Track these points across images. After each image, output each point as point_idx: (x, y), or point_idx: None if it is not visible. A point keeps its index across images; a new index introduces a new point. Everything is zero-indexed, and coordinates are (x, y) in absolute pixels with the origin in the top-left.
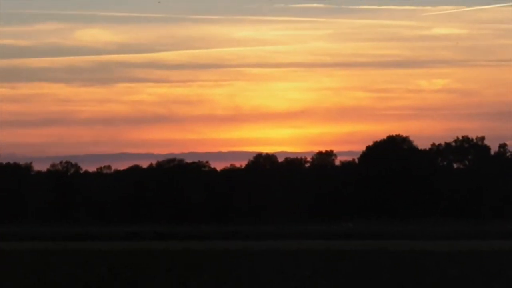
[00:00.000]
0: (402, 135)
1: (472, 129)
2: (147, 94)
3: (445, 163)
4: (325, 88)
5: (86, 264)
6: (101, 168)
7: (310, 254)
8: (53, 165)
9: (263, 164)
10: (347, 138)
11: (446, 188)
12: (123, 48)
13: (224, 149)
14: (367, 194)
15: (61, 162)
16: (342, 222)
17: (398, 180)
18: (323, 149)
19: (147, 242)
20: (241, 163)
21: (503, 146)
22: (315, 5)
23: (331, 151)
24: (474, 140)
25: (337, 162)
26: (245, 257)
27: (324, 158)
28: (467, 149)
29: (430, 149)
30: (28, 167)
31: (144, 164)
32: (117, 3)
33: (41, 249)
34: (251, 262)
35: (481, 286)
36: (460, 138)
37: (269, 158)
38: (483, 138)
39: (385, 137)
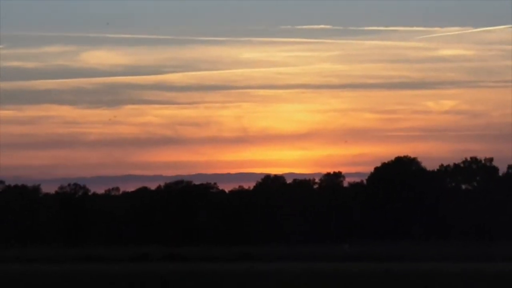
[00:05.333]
0: (410, 156)
1: (480, 150)
2: (154, 116)
3: (453, 184)
4: (333, 110)
5: (95, 286)
6: (109, 190)
7: (318, 276)
8: (61, 187)
9: (271, 186)
10: (355, 159)
11: (454, 209)
12: (129, 70)
13: (232, 171)
14: (375, 215)
15: (69, 184)
16: (340, 244)
17: (406, 201)
18: (331, 170)
19: (156, 264)
20: (249, 185)
21: (511, 167)
22: (322, 26)
23: (340, 173)
24: (483, 161)
25: (345, 184)
26: (254, 279)
27: (332, 180)
28: (476, 170)
29: (438, 170)
30: (36, 189)
31: (152, 186)
32: (123, 25)
33: (49, 272)
34: (259, 283)
35: None
36: (468, 159)
37: (278, 180)
38: (491, 159)
39: (393, 159)
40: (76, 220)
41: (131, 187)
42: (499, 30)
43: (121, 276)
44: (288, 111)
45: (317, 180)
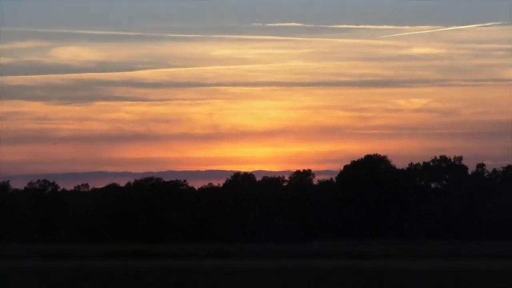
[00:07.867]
0: (379, 155)
1: (450, 149)
2: (125, 113)
3: (422, 182)
4: (304, 107)
5: (64, 282)
6: (78, 186)
7: (287, 272)
8: (30, 183)
9: (240, 183)
10: (325, 157)
11: (423, 207)
12: (101, 66)
13: (202, 168)
14: (344, 213)
15: (38, 181)
16: (309, 242)
17: (375, 200)
18: (301, 168)
19: (125, 261)
20: (219, 182)
21: (480, 166)
22: (294, 24)
23: (309, 170)
24: (452, 160)
25: (315, 182)
26: (223, 276)
27: (302, 178)
28: (445, 169)
29: (407, 168)
30: (5, 185)
31: (122, 183)
32: (95, 21)
33: (18, 268)
34: (228, 281)
35: None
36: (438, 158)
37: (247, 177)
38: (460, 158)
39: (363, 157)
40: (45, 217)
41: (100, 184)
42: (470, 29)
43: (90, 273)
44: (260, 108)
45: (286, 178)
